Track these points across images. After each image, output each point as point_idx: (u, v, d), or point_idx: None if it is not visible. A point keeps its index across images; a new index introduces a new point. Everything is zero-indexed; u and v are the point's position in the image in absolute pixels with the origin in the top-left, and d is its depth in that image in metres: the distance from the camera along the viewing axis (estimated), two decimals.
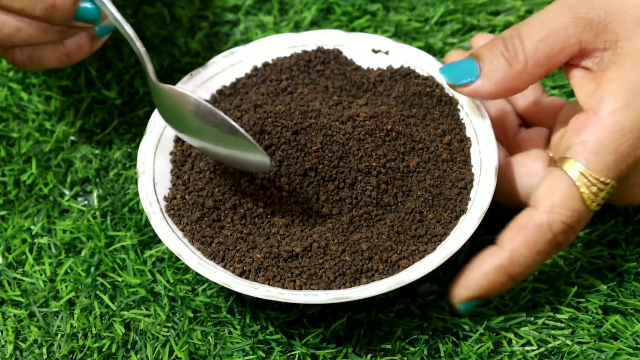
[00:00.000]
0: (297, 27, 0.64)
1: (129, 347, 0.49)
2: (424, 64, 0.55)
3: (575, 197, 0.44)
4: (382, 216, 0.49)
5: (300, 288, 0.46)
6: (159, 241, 0.53)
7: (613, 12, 0.45)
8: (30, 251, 0.54)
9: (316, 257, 0.47)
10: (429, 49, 0.62)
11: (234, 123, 0.45)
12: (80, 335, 0.50)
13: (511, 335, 0.48)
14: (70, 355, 0.49)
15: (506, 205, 0.51)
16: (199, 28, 0.65)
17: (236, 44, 0.63)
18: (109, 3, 0.48)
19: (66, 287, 0.52)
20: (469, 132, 0.52)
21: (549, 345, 0.48)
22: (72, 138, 0.59)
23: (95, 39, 0.52)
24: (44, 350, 0.49)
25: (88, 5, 0.48)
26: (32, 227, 0.55)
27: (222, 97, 0.55)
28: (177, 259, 0.52)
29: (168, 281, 0.51)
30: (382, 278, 0.46)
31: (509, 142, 0.53)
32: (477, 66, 0.48)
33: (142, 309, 0.51)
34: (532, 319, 0.49)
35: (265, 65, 0.56)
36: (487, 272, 0.45)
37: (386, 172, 0.49)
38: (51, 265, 0.53)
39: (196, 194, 0.50)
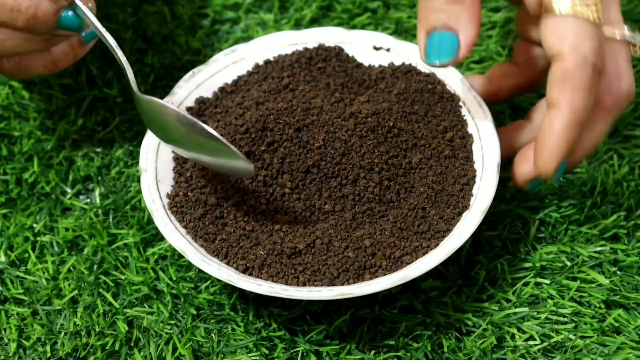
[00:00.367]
0: (297, 25, 0.64)
1: (132, 344, 0.49)
2: None
3: (583, 24, 0.45)
4: (385, 212, 0.49)
5: (304, 284, 0.46)
6: (162, 239, 0.53)
7: None
8: (33, 249, 0.54)
9: (319, 254, 0.47)
10: None
11: (214, 132, 0.45)
12: (83, 333, 0.50)
13: (514, 330, 0.48)
14: (74, 353, 0.49)
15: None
16: (199, 26, 0.65)
17: (237, 41, 0.63)
18: (89, 13, 0.48)
19: (69, 285, 0.52)
20: (470, 129, 0.52)
21: (552, 340, 0.48)
22: (73, 136, 0.59)
23: (82, 44, 0.52)
24: (47, 348, 0.50)
25: (69, 14, 0.48)
26: (35, 225, 0.55)
27: (223, 94, 0.55)
28: (180, 257, 0.52)
29: (171, 279, 0.51)
30: (385, 274, 0.46)
31: None
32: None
33: (145, 307, 0.51)
34: (535, 313, 0.49)
35: (267, 62, 0.56)
36: (560, 135, 0.45)
37: (388, 168, 0.49)
38: (54, 263, 0.53)
39: (199, 191, 0.50)
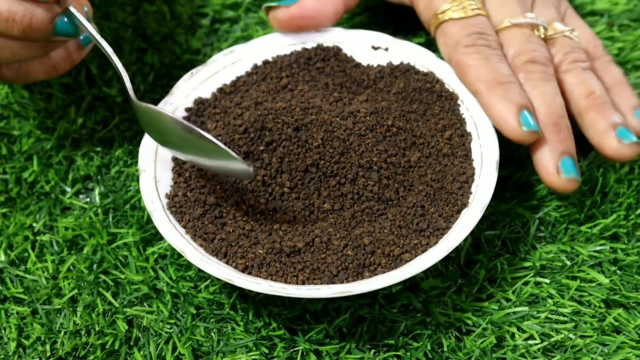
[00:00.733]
0: None
1: (132, 344, 0.49)
2: (424, 60, 0.55)
3: (471, 20, 0.53)
4: (384, 211, 0.49)
5: (303, 283, 0.46)
6: (161, 238, 0.53)
7: None
8: (33, 248, 0.54)
9: (319, 252, 0.47)
10: (428, 45, 0.62)
11: (212, 137, 0.45)
12: (83, 332, 0.50)
13: (514, 330, 0.48)
14: (74, 353, 0.49)
15: None
16: (199, 25, 0.65)
17: (236, 41, 0.63)
18: (84, 20, 0.48)
19: (69, 284, 0.52)
20: (469, 127, 0.52)
21: (552, 339, 0.48)
22: (73, 135, 0.59)
23: (80, 48, 0.52)
24: (47, 347, 0.50)
25: (64, 21, 0.48)
26: (34, 224, 0.55)
27: (222, 95, 0.55)
28: (180, 256, 0.52)
29: (170, 278, 0.51)
30: (385, 272, 0.46)
31: None
32: None
33: (144, 306, 0.51)
34: (535, 313, 0.49)
35: (266, 63, 0.56)
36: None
37: (387, 167, 0.49)
38: (53, 262, 0.53)
39: (198, 191, 0.50)
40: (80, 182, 0.57)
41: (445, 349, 0.48)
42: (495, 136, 0.50)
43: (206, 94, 0.55)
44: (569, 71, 0.52)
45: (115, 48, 0.63)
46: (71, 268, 0.53)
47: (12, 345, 0.50)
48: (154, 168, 0.51)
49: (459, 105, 0.53)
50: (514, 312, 0.49)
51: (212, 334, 0.49)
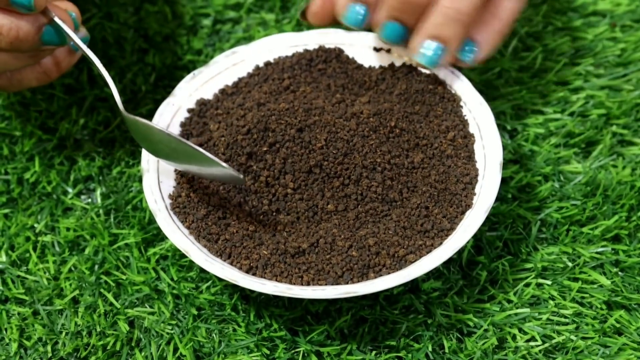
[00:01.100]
0: (298, 25, 0.64)
1: (133, 344, 0.49)
2: None
3: None
4: (388, 212, 0.49)
5: (308, 284, 0.46)
6: (163, 239, 0.53)
7: None
8: (34, 249, 0.54)
9: (323, 253, 0.47)
10: None
11: (199, 148, 0.46)
12: (84, 333, 0.50)
13: (515, 331, 0.48)
14: (75, 353, 0.49)
15: None
16: (200, 26, 0.65)
17: (238, 41, 0.63)
18: (70, 31, 0.48)
19: (70, 285, 0.52)
20: (472, 129, 0.52)
21: (554, 341, 0.48)
22: (75, 136, 0.59)
23: (71, 53, 0.53)
24: (49, 348, 0.50)
25: (51, 30, 0.48)
26: (36, 225, 0.55)
27: (224, 95, 0.55)
28: (181, 257, 0.52)
29: (172, 279, 0.51)
30: (389, 273, 0.46)
31: None
32: None
33: (146, 307, 0.51)
34: (537, 314, 0.49)
35: (267, 64, 0.56)
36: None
37: (391, 168, 0.49)
38: (55, 263, 0.53)
39: (201, 192, 0.50)
40: (81, 182, 0.57)
41: (446, 350, 0.48)
42: (498, 138, 0.50)
43: (208, 94, 0.55)
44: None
45: (117, 48, 0.63)
46: (72, 269, 0.53)
47: (14, 346, 0.50)
48: (157, 168, 0.51)
49: (461, 107, 0.53)
50: (516, 314, 0.49)
51: (214, 335, 0.49)
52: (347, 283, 0.46)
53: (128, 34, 0.64)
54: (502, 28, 0.52)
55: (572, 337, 0.48)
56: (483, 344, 0.48)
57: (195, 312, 0.50)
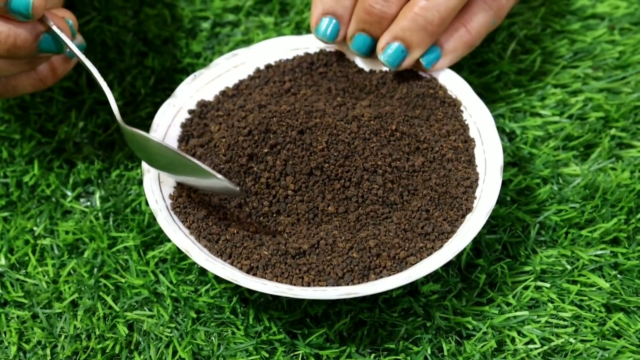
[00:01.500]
0: (298, 28, 0.64)
1: (132, 348, 0.49)
2: None
3: None
4: (389, 214, 0.49)
5: (309, 284, 0.46)
6: (162, 242, 0.53)
7: None
8: (33, 252, 0.54)
9: (324, 254, 0.47)
10: None
11: (197, 161, 0.46)
12: (83, 336, 0.50)
13: (514, 334, 0.48)
14: (74, 357, 0.49)
15: None
16: (200, 29, 0.65)
17: (237, 44, 0.64)
18: (67, 40, 0.48)
19: (69, 288, 0.52)
20: (472, 133, 0.52)
21: (553, 344, 0.48)
22: (74, 139, 0.59)
23: (67, 60, 0.53)
24: (48, 351, 0.50)
25: (49, 38, 0.48)
26: (35, 228, 0.55)
27: (225, 97, 0.55)
28: (180, 260, 0.52)
29: (171, 282, 0.51)
30: (390, 274, 0.46)
31: None
32: None
33: (145, 310, 0.51)
34: (535, 317, 0.49)
35: (268, 67, 0.56)
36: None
37: (392, 171, 0.49)
38: (54, 266, 0.53)
39: (202, 193, 0.50)
40: (80, 185, 0.57)
41: (445, 353, 0.48)
42: (499, 142, 0.50)
43: (209, 96, 0.55)
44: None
45: (116, 51, 0.63)
46: (72, 272, 0.53)
47: (13, 349, 0.50)
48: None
49: (462, 111, 0.53)
50: (515, 317, 0.49)
51: (213, 338, 0.49)
52: (347, 284, 0.46)
53: (127, 37, 0.64)
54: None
55: (571, 339, 0.48)
56: (482, 346, 0.48)
57: (194, 315, 0.50)
